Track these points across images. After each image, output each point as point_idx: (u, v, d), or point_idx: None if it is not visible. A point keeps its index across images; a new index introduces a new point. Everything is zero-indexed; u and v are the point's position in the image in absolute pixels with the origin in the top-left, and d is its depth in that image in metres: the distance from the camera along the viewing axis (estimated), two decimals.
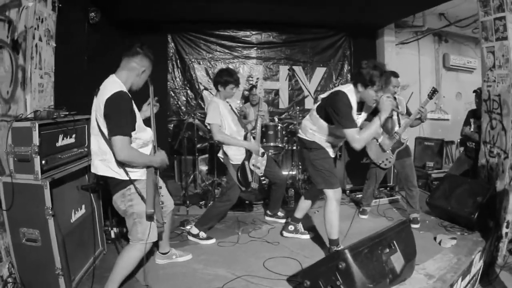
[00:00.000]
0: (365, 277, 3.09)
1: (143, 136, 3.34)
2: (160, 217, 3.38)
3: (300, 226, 5.12)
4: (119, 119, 3.08)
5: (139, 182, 3.29)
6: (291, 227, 5.08)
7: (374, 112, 4.20)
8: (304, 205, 5.02)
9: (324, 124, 4.29)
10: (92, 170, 3.38)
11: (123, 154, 3.07)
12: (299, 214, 5.05)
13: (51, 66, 4.35)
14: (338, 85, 9.27)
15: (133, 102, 3.23)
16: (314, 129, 4.39)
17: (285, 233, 5.10)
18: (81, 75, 5.41)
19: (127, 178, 3.24)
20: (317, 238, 5.02)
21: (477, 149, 6.13)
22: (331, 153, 4.49)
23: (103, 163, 3.26)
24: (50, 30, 4.26)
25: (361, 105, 4.28)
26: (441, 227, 5.42)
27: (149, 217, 3.27)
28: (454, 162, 8.52)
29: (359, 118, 4.32)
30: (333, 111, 4.06)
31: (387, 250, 3.49)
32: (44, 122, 3.35)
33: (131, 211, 3.32)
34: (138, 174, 3.28)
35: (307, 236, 5.06)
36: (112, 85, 3.19)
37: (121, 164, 3.20)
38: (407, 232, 3.87)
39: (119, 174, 3.24)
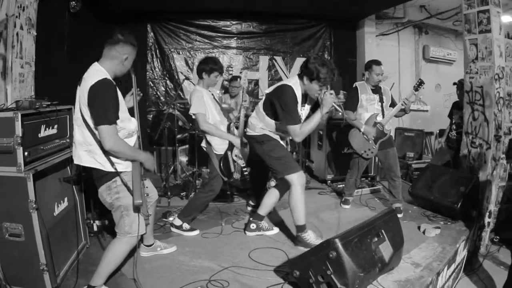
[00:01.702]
0: (356, 266, 3.08)
1: (128, 126, 3.26)
2: (145, 209, 3.32)
3: (263, 223, 4.92)
4: (104, 108, 2.99)
5: (125, 174, 3.21)
6: (253, 226, 4.90)
7: (316, 105, 4.31)
8: (269, 201, 4.86)
9: (271, 121, 4.36)
10: (76, 161, 3.28)
11: (110, 143, 2.99)
12: (263, 211, 4.87)
13: (32, 55, 4.23)
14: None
15: (117, 89, 3.15)
16: (261, 126, 4.43)
17: (248, 233, 4.90)
18: (61, 65, 5.30)
19: (113, 170, 3.17)
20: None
21: (458, 140, 6.20)
22: (283, 143, 4.57)
23: (87, 154, 3.18)
24: (31, 18, 4.14)
25: (306, 97, 4.36)
26: (424, 216, 5.48)
27: (137, 209, 3.21)
28: (436, 153, 8.61)
29: (303, 110, 4.40)
30: (280, 105, 4.16)
31: (376, 239, 3.50)
32: (26, 112, 3.24)
33: (118, 204, 3.24)
34: (123, 166, 3.20)
35: (272, 232, 4.91)
36: (96, 73, 3.10)
37: (107, 154, 3.12)
38: (394, 221, 3.89)
39: (103, 166, 3.16)
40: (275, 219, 5.33)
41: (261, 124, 4.43)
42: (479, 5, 5.11)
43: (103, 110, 2.99)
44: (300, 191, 4.31)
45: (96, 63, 3.22)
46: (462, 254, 4.69)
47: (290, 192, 4.35)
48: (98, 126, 2.98)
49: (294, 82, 4.20)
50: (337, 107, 4.18)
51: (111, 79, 3.14)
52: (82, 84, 3.09)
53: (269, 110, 4.36)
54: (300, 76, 4.18)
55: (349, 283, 3.04)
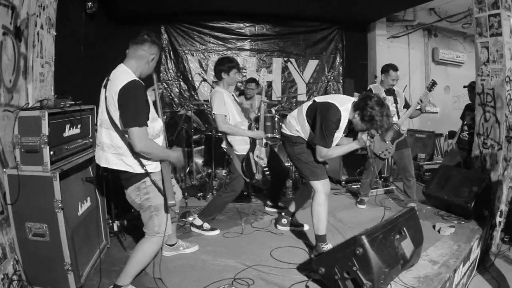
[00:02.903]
0: (381, 262, 3.12)
1: (155, 126, 3.25)
2: (175, 209, 3.36)
3: (293, 219, 5.08)
4: (134, 110, 2.98)
5: (154, 175, 3.21)
6: (284, 221, 5.06)
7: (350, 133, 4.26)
8: (297, 201, 5.01)
9: (308, 129, 4.26)
10: (103, 164, 3.25)
11: (141, 145, 2.98)
12: (292, 208, 5.03)
13: (52, 55, 4.20)
14: (330, 78, 9.39)
15: (146, 91, 3.16)
16: (298, 129, 4.35)
17: (279, 226, 5.08)
18: (78, 65, 5.32)
19: (142, 172, 3.16)
20: None
21: (470, 141, 6.22)
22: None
23: (116, 157, 3.16)
24: (51, 18, 4.13)
25: (349, 124, 4.12)
26: (438, 216, 5.52)
27: (168, 208, 3.22)
28: (447, 154, 8.62)
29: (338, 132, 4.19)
30: (320, 123, 4.02)
31: (398, 236, 3.54)
32: (52, 112, 3.24)
33: (148, 204, 3.23)
34: (152, 166, 3.20)
35: (302, 229, 5.01)
36: (124, 75, 3.09)
37: (137, 156, 3.11)
38: (414, 219, 3.95)
39: (132, 168, 3.15)
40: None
41: (299, 127, 4.33)
42: (490, 9, 5.16)
43: (134, 112, 2.97)
44: (324, 198, 4.21)
45: (122, 64, 3.21)
46: (475, 252, 4.74)
47: (314, 199, 4.27)
48: (129, 128, 2.96)
49: (345, 107, 3.99)
50: (369, 151, 4.19)
51: (139, 80, 3.13)
52: (110, 86, 3.08)
53: (310, 118, 4.22)
54: (354, 108, 3.95)
55: (375, 279, 3.07)
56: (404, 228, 3.64)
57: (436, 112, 10.51)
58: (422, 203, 6.00)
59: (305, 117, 4.25)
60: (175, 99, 8.80)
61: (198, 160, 7.66)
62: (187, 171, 7.28)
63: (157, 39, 3.32)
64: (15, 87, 3.52)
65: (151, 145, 3.08)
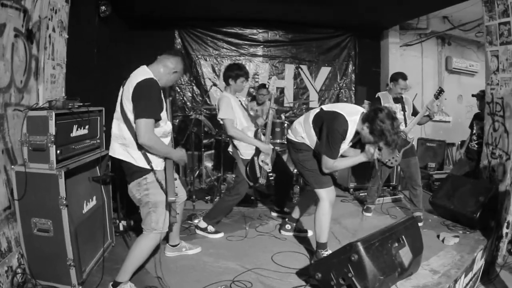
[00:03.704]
0: (376, 269, 3.14)
1: (165, 127, 3.41)
2: (175, 207, 3.44)
3: (298, 225, 5.13)
4: (147, 103, 3.13)
5: (157, 172, 3.32)
6: (288, 226, 5.09)
7: (356, 143, 4.22)
8: (300, 207, 5.05)
9: (314, 136, 4.21)
10: (110, 153, 3.42)
11: (145, 137, 3.10)
12: (295, 214, 5.07)
13: (63, 57, 4.36)
14: (343, 86, 9.39)
15: (161, 91, 3.30)
16: (304, 136, 4.32)
17: (282, 232, 5.11)
18: (90, 68, 5.41)
19: (147, 167, 3.29)
20: None
21: (478, 151, 6.20)
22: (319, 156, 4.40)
23: (121, 147, 3.31)
24: (63, 21, 4.27)
25: (356, 135, 4.06)
26: (444, 225, 5.49)
27: (168, 206, 3.33)
28: (455, 164, 8.59)
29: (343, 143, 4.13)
30: (326, 132, 3.96)
31: (396, 244, 3.54)
32: (60, 112, 3.36)
33: (147, 200, 3.35)
34: (156, 163, 3.32)
35: (306, 235, 5.04)
36: (143, 73, 3.27)
37: (141, 149, 3.24)
38: (414, 227, 3.95)
39: (136, 161, 3.28)
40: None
41: (304, 134, 4.30)
42: (500, 17, 5.11)
43: (145, 104, 3.12)
44: (328, 207, 4.18)
45: (144, 66, 3.39)
46: (479, 263, 4.69)
47: (317, 207, 4.24)
48: (137, 119, 3.10)
49: (353, 118, 3.92)
50: (376, 163, 4.13)
51: (157, 80, 3.28)
52: (128, 81, 3.25)
53: (317, 127, 4.15)
54: (363, 120, 3.88)
55: (370, 286, 3.10)
56: (403, 236, 3.64)
57: (449, 121, 10.47)
58: (429, 213, 5.97)
59: (311, 125, 4.22)
60: (188, 103, 8.88)
61: (208, 164, 7.73)
62: (196, 174, 7.34)
63: (185, 58, 3.44)
64: (26, 87, 3.65)
65: (154, 139, 3.20)
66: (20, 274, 3.40)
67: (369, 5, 7.30)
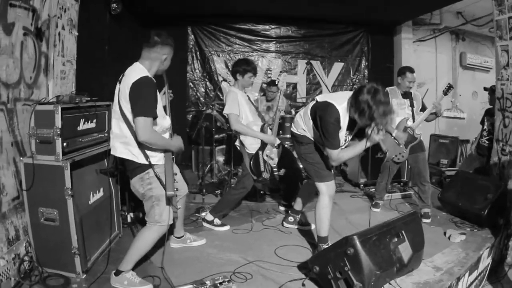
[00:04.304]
0: (373, 264, 3.15)
1: (162, 123, 3.47)
2: (175, 202, 3.51)
3: (301, 218, 5.19)
4: (144, 102, 3.19)
5: (157, 167, 3.40)
6: (291, 219, 5.15)
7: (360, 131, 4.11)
8: (302, 199, 5.09)
9: (313, 128, 4.19)
10: (112, 152, 3.51)
11: (145, 135, 3.18)
12: (298, 206, 5.11)
13: (73, 54, 4.50)
14: (355, 81, 9.42)
15: (157, 89, 3.36)
16: (305, 129, 4.32)
17: (285, 224, 5.17)
18: (102, 65, 5.51)
19: (146, 162, 3.36)
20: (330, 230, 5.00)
21: (489, 147, 6.15)
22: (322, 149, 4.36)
23: (123, 146, 3.39)
24: (72, 19, 4.40)
25: (355, 123, 3.94)
26: (452, 222, 5.44)
27: (169, 200, 3.40)
28: (465, 159, 8.51)
29: (349, 136, 4.16)
30: (320, 125, 3.93)
31: (396, 239, 3.54)
32: (66, 106, 3.47)
33: (150, 194, 3.43)
34: (155, 159, 3.40)
35: (309, 228, 5.09)
36: (137, 71, 3.31)
37: (141, 146, 3.32)
38: (416, 223, 3.92)
39: (137, 157, 3.36)
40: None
41: (305, 126, 4.30)
42: (510, 11, 5.04)
43: (142, 103, 3.19)
44: (328, 201, 4.18)
45: (137, 62, 3.43)
46: (486, 261, 4.64)
47: (318, 200, 4.24)
48: (136, 117, 3.17)
49: (343, 106, 3.84)
50: (382, 145, 4.06)
51: (152, 77, 3.35)
52: (124, 80, 3.30)
53: (313, 118, 4.14)
54: (349, 105, 3.80)
55: (365, 280, 3.11)
56: (403, 232, 3.64)
57: (463, 118, 10.37)
58: (438, 209, 5.93)
59: (309, 117, 4.21)
60: (201, 99, 9.01)
61: (220, 159, 7.80)
62: (207, 169, 7.43)
63: (167, 38, 3.47)
64: (35, 83, 3.78)
65: (154, 136, 3.28)
66: (27, 262, 3.52)
67: (382, 0, 7.29)
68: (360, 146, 3.90)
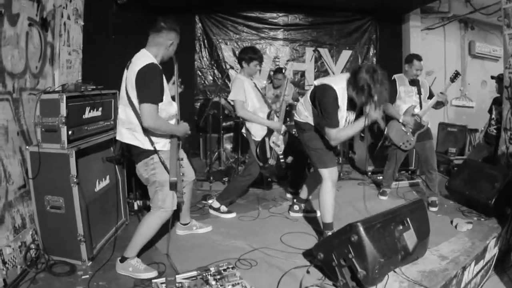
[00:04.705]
0: (377, 251, 3.14)
1: (169, 110, 3.49)
2: (180, 186, 3.50)
3: (306, 205, 5.20)
4: (149, 88, 3.22)
5: (162, 153, 3.43)
6: (296, 207, 5.16)
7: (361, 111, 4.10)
8: (308, 187, 5.09)
9: (313, 111, 4.22)
10: (117, 137, 3.54)
11: (150, 121, 3.21)
12: (303, 194, 5.12)
13: (79, 43, 4.52)
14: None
15: (163, 75, 3.38)
16: (306, 114, 4.33)
17: (291, 213, 5.18)
18: (108, 54, 5.52)
19: (151, 148, 3.39)
20: (335, 215, 4.84)
21: (497, 136, 6.11)
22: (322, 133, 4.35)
23: (128, 132, 3.42)
24: (78, 9, 4.43)
25: (353, 103, 3.96)
26: (459, 211, 5.41)
27: (172, 185, 3.41)
28: (473, 148, 8.47)
29: (351, 115, 4.17)
30: (319, 105, 4.01)
31: (400, 227, 3.52)
32: (71, 95, 3.50)
33: (154, 179, 3.47)
34: (160, 145, 3.43)
35: (315, 215, 5.09)
36: (144, 58, 3.34)
37: (147, 132, 3.35)
38: (421, 211, 3.89)
39: (142, 143, 3.39)
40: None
41: (306, 112, 4.33)
42: None
43: (148, 90, 3.22)
44: (330, 187, 4.22)
45: (143, 49, 3.46)
46: (492, 251, 4.61)
47: (321, 187, 4.30)
48: (142, 104, 3.20)
49: (341, 86, 3.91)
50: (380, 122, 4.05)
51: (158, 64, 3.38)
52: (131, 67, 3.33)
53: (313, 103, 4.19)
54: (348, 83, 3.88)
55: (369, 268, 3.10)
56: (408, 219, 3.61)
57: (472, 107, 10.31)
58: (445, 198, 5.90)
59: (310, 102, 4.25)
60: (209, 87, 9.00)
61: (228, 146, 7.85)
62: (215, 156, 7.44)
63: (173, 24, 3.50)
64: (41, 73, 3.81)
65: (159, 122, 3.31)
66: (33, 250, 3.55)
67: None
68: (359, 124, 3.94)
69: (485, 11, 9.07)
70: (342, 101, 3.95)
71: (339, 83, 3.94)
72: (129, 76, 3.31)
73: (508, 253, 4.86)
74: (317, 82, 4.21)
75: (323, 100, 3.95)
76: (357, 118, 4.15)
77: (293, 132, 6.28)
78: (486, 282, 4.58)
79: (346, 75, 3.97)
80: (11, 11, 3.27)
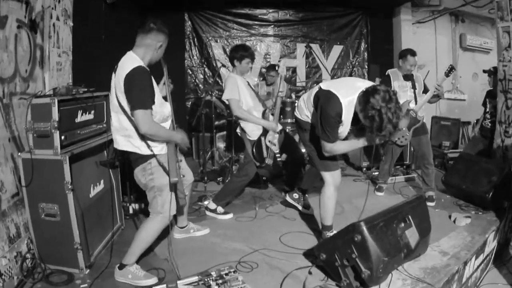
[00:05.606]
0: (380, 250, 3.11)
1: (162, 111, 3.40)
2: (182, 188, 3.44)
3: (305, 201, 5.17)
4: (140, 94, 3.12)
5: (160, 156, 3.35)
6: (295, 195, 5.14)
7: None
8: (308, 179, 5.09)
9: (316, 115, 3.93)
10: (114, 145, 3.45)
11: (145, 127, 3.12)
12: (305, 186, 5.11)
13: (69, 45, 4.43)
14: (355, 64, 9.43)
15: (152, 77, 3.28)
16: (307, 114, 4.17)
17: (288, 198, 5.17)
18: (99, 54, 5.44)
19: (148, 153, 3.31)
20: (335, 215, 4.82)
21: (492, 129, 6.10)
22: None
23: (124, 139, 3.34)
24: (67, 9, 4.33)
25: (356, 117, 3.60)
26: (456, 206, 5.40)
27: (173, 187, 3.35)
28: (469, 141, 8.47)
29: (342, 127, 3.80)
30: (320, 115, 3.70)
31: (402, 224, 3.49)
32: (63, 98, 3.40)
33: (152, 185, 3.39)
34: (158, 148, 3.35)
35: (307, 211, 5.09)
36: (131, 61, 3.22)
37: (143, 138, 3.27)
38: (422, 207, 3.88)
39: (139, 149, 3.31)
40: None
41: (308, 113, 4.13)
42: None
43: (139, 95, 3.12)
44: (332, 190, 4.05)
45: (130, 51, 3.35)
46: (491, 245, 4.60)
47: (322, 189, 4.11)
48: (134, 111, 3.10)
49: (349, 99, 3.55)
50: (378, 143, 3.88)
51: (145, 66, 3.26)
52: (118, 71, 3.22)
53: (316, 106, 3.87)
54: (358, 101, 3.49)
55: (373, 267, 3.07)
56: (410, 216, 3.59)
57: (464, 100, 10.34)
58: (442, 192, 5.89)
59: (312, 102, 3.99)
60: (200, 85, 8.95)
61: (221, 145, 7.79)
62: (208, 156, 7.38)
63: (163, 26, 3.40)
64: (31, 76, 3.71)
65: (155, 127, 3.22)
66: (29, 259, 3.47)
67: None
68: (357, 144, 3.80)
69: (476, 4, 9.06)
70: (347, 116, 3.63)
71: (347, 95, 3.58)
72: (117, 82, 3.21)
73: (507, 246, 4.89)
74: (323, 86, 3.86)
75: (325, 111, 3.63)
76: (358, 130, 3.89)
77: (287, 129, 6.24)
78: (486, 275, 4.56)
79: (357, 85, 3.62)
80: None
